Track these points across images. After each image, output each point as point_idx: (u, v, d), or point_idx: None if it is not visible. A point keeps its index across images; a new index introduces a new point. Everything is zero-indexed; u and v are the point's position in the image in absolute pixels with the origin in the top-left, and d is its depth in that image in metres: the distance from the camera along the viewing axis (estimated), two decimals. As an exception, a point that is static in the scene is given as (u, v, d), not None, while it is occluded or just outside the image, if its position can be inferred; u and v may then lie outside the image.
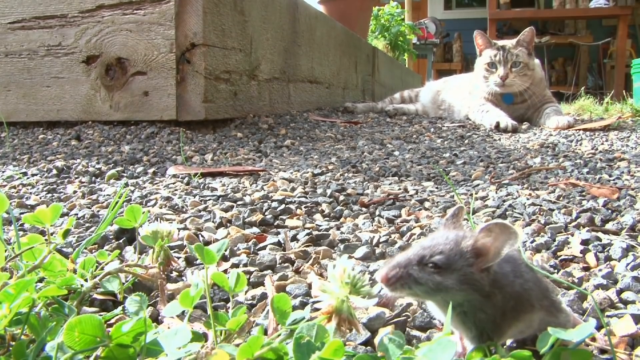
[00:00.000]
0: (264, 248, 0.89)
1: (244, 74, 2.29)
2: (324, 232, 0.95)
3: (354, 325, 0.47)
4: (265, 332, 0.57)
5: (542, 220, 1.00)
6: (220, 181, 1.38)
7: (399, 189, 1.32)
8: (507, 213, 1.07)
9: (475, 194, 1.26)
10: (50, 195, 1.24)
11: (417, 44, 7.72)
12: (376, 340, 0.58)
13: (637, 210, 1.05)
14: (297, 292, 0.70)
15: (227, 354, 0.46)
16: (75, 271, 0.68)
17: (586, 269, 0.77)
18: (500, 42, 3.05)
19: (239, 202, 1.15)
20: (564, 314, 0.56)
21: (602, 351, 0.56)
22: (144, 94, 2.06)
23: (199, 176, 1.43)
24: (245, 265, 0.81)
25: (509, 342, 0.58)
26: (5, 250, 0.67)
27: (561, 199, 1.18)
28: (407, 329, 0.62)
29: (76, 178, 1.43)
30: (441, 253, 0.51)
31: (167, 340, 0.49)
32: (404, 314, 0.64)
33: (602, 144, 2.17)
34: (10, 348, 0.51)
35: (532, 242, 0.87)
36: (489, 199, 1.19)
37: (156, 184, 1.37)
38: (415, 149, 2.03)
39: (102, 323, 0.47)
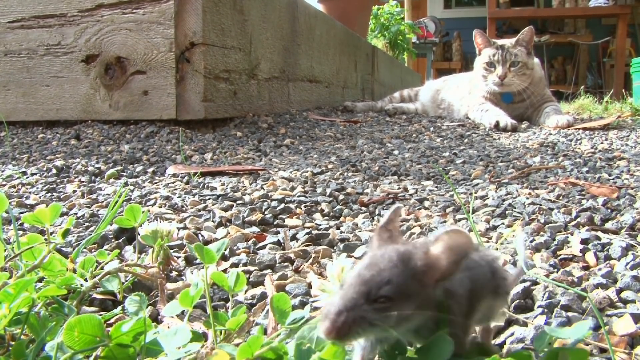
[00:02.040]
0: (263, 247, 0.89)
1: (243, 73, 2.29)
2: (324, 232, 0.95)
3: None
4: (265, 332, 0.57)
5: (541, 219, 1.00)
6: (220, 180, 1.38)
7: (399, 188, 1.32)
8: (506, 212, 1.07)
9: (475, 193, 1.26)
10: (49, 194, 1.24)
11: (416, 43, 7.72)
12: (376, 340, 0.58)
13: (637, 209, 1.05)
14: (296, 292, 0.70)
15: (227, 354, 0.46)
16: (74, 271, 0.68)
17: (586, 268, 0.77)
18: (500, 42, 3.05)
19: (238, 202, 1.15)
20: (507, 296, 0.54)
21: (602, 350, 0.56)
22: (144, 93, 2.06)
23: (198, 175, 1.43)
24: (244, 264, 0.81)
25: (509, 342, 0.58)
26: (5, 250, 0.67)
27: (561, 198, 1.18)
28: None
29: (76, 177, 1.43)
30: (389, 282, 0.43)
31: (167, 339, 0.49)
32: (403, 314, 0.64)
33: (602, 143, 2.17)
34: (10, 348, 0.51)
35: (531, 242, 0.87)
36: (488, 198, 1.19)
37: (156, 183, 1.36)
38: (414, 148, 2.03)
39: (102, 323, 0.47)
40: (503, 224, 1.00)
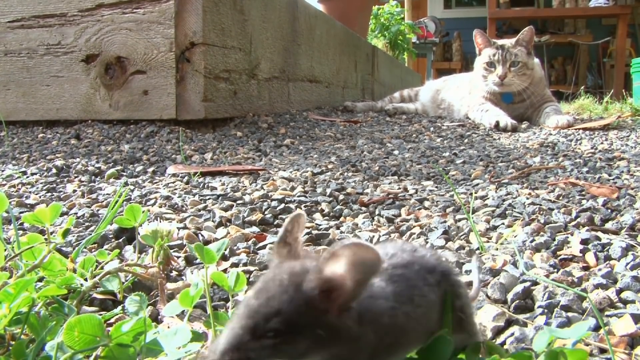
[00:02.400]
0: (263, 247, 0.89)
1: (243, 73, 2.29)
2: (324, 232, 0.95)
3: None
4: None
5: (541, 219, 1.00)
6: (220, 180, 1.38)
7: (399, 188, 1.32)
8: (506, 212, 1.07)
9: (475, 193, 1.26)
10: (49, 194, 1.24)
11: (416, 43, 7.72)
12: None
13: (637, 209, 1.05)
14: (296, 292, 0.70)
15: (226, 354, 0.46)
16: (75, 270, 0.68)
17: (586, 268, 0.77)
18: (500, 42, 3.05)
19: (238, 201, 1.15)
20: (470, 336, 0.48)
21: (602, 350, 0.56)
22: (144, 93, 2.06)
23: (198, 175, 1.43)
24: (245, 264, 0.81)
25: (509, 342, 0.58)
26: (5, 250, 0.67)
27: (561, 198, 1.18)
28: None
29: (76, 177, 1.43)
30: (278, 313, 0.37)
31: (167, 339, 0.49)
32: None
33: (602, 143, 2.17)
34: (10, 347, 0.51)
35: (531, 242, 0.87)
36: (488, 198, 1.19)
37: (156, 183, 1.36)
38: (414, 148, 2.03)
39: (102, 322, 0.47)
40: (503, 224, 1.00)
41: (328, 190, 1.24)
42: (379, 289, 0.41)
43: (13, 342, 0.52)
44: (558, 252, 0.84)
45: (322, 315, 0.38)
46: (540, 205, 1.11)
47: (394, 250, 0.47)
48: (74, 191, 1.26)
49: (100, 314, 0.61)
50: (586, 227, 0.96)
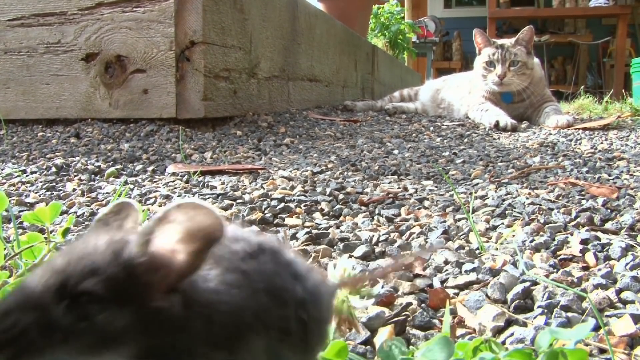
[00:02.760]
0: (263, 247, 0.88)
1: (243, 72, 2.29)
2: (324, 231, 0.95)
3: (353, 325, 0.47)
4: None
5: (541, 219, 1.00)
6: (220, 179, 1.38)
7: (399, 188, 1.32)
8: (506, 212, 1.07)
9: (475, 192, 1.26)
10: (49, 193, 1.23)
11: (416, 43, 7.71)
12: (375, 339, 0.58)
13: (637, 209, 1.06)
14: (296, 291, 0.70)
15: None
16: (74, 269, 0.68)
17: (585, 268, 0.77)
18: (500, 41, 3.05)
19: (238, 201, 1.14)
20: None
21: (602, 350, 0.56)
22: (144, 92, 2.06)
23: (198, 174, 1.43)
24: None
25: (508, 342, 0.58)
26: (5, 249, 0.67)
27: (560, 198, 1.18)
28: (407, 328, 0.62)
29: (75, 176, 1.43)
30: (94, 273, 0.29)
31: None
32: (403, 314, 0.64)
33: (602, 143, 2.17)
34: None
35: (531, 242, 0.87)
36: (488, 198, 1.19)
37: (155, 182, 1.36)
38: (414, 147, 2.03)
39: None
40: (503, 223, 1.00)
41: (328, 190, 1.24)
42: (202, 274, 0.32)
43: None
44: (558, 252, 0.84)
45: (144, 293, 0.29)
46: (540, 205, 1.11)
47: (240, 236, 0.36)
48: (74, 190, 1.26)
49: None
50: (586, 227, 0.96)
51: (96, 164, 1.56)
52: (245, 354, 0.32)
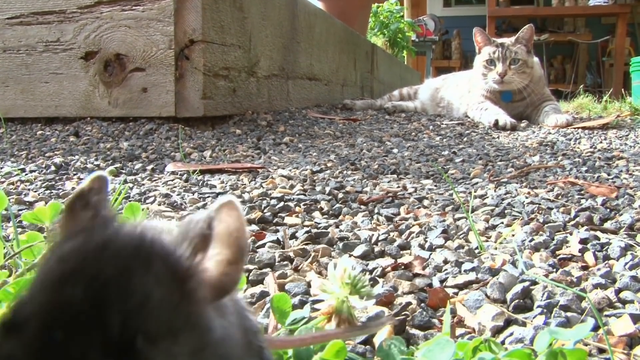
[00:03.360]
0: (262, 246, 0.89)
1: (242, 71, 2.29)
2: (323, 230, 0.95)
3: (353, 325, 0.47)
4: (266, 331, 0.57)
5: (540, 219, 1.00)
6: (219, 178, 1.38)
7: (398, 187, 1.32)
8: (505, 211, 1.07)
9: (474, 192, 1.26)
10: (48, 191, 1.23)
11: (416, 41, 7.71)
12: (375, 339, 0.58)
13: (636, 209, 1.06)
14: (296, 291, 0.70)
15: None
16: (74, 269, 0.68)
17: (585, 268, 0.77)
18: (500, 40, 3.05)
19: (237, 200, 1.14)
20: None
21: (601, 350, 0.56)
22: (143, 91, 2.06)
23: (197, 173, 1.43)
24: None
25: (508, 342, 0.58)
26: (4, 248, 0.67)
27: (560, 197, 1.18)
28: (406, 327, 0.62)
29: (75, 174, 1.43)
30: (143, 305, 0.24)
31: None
32: (403, 313, 0.64)
33: (601, 142, 2.17)
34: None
35: (530, 241, 0.87)
36: (487, 197, 1.19)
37: (155, 180, 1.36)
38: (414, 146, 2.03)
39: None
40: (502, 223, 1.00)
41: (327, 189, 1.24)
42: None
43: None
44: (557, 252, 0.84)
45: (192, 314, 0.25)
46: (540, 204, 1.11)
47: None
48: (73, 189, 1.26)
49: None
50: (585, 227, 0.96)
51: (95, 162, 1.56)
52: None
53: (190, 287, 0.25)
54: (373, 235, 0.93)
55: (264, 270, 0.78)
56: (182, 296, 0.25)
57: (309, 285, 0.73)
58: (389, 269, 0.77)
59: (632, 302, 0.65)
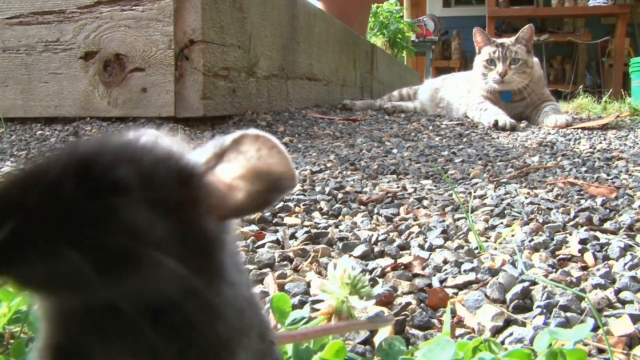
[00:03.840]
0: (262, 246, 0.89)
1: (242, 71, 2.29)
2: (323, 230, 0.95)
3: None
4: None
5: (540, 219, 1.00)
6: (219, 178, 1.38)
7: (398, 187, 1.32)
8: (505, 212, 1.07)
9: (474, 192, 1.26)
10: (48, 191, 1.23)
11: (415, 42, 7.71)
12: (375, 339, 0.58)
13: (635, 209, 1.06)
14: (296, 291, 0.70)
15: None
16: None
17: (584, 268, 0.78)
18: (499, 40, 3.05)
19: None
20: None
21: (600, 350, 0.56)
22: (142, 91, 2.06)
23: (197, 173, 1.43)
24: (243, 263, 0.81)
25: (507, 342, 0.58)
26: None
27: (559, 197, 1.18)
28: (406, 327, 0.62)
29: (74, 175, 1.43)
30: (134, 162, 0.25)
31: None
32: (402, 313, 0.64)
33: (600, 142, 2.17)
34: (10, 346, 0.51)
35: (530, 241, 0.88)
36: (487, 198, 1.19)
37: (154, 181, 1.36)
38: (413, 146, 2.03)
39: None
40: (502, 223, 1.00)
41: (327, 189, 1.24)
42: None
43: (12, 341, 0.52)
44: (557, 252, 0.84)
45: (193, 208, 0.25)
46: (539, 204, 1.11)
47: None
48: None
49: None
50: (585, 227, 0.96)
51: (95, 162, 1.55)
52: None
53: (191, 189, 0.25)
54: (373, 235, 0.93)
55: (264, 270, 0.78)
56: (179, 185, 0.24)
57: (308, 285, 0.73)
58: (389, 269, 0.77)
59: (631, 302, 0.65)
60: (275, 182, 0.26)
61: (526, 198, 1.17)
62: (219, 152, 0.27)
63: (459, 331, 0.61)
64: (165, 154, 0.26)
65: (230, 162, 0.27)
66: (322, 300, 0.51)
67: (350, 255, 0.85)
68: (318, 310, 0.52)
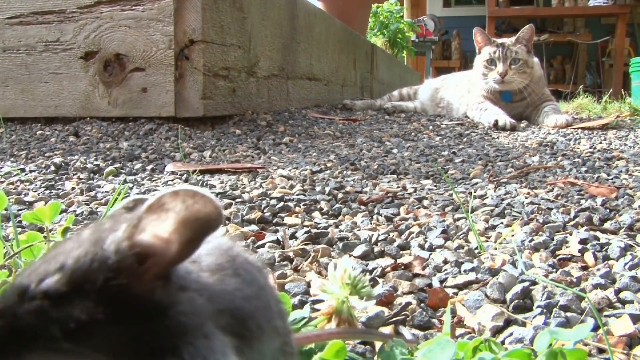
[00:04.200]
0: (262, 246, 0.89)
1: (242, 71, 2.29)
2: (323, 230, 0.95)
3: (353, 325, 0.47)
4: (265, 331, 0.57)
5: (540, 219, 1.00)
6: (219, 178, 1.38)
7: (398, 187, 1.32)
8: (505, 212, 1.07)
9: (474, 192, 1.26)
10: (48, 191, 1.23)
11: (415, 42, 7.71)
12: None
13: (635, 209, 1.06)
14: (296, 291, 0.70)
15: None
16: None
17: (584, 268, 0.77)
18: (500, 40, 3.05)
19: (237, 200, 1.14)
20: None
21: (600, 350, 0.56)
22: (143, 90, 2.06)
23: (197, 173, 1.43)
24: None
25: (507, 342, 0.58)
26: (4, 248, 0.67)
27: (559, 197, 1.18)
28: (407, 327, 0.62)
29: (74, 174, 1.43)
30: (61, 269, 0.28)
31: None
32: (402, 313, 0.64)
33: (601, 142, 2.17)
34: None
35: (530, 241, 0.88)
36: (487, 198, 1.19)
37: (155, 181, 1.36)
38: (413, 146, 2.03)
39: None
40: (502, 223, 1.00)
41: (327, 189, 1.24)
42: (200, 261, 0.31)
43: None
44: (557, 252, 0.84)
45: (124, 282, 0.27)
46: (539, 204, 1.11)
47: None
48: (73, 189, 1.26)
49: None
50: (585, 227, 0.96)
51: (95, 162, 1.56)
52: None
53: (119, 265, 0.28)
54: (373, 235, 0.93)
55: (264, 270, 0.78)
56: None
57: (308, 285, 0.73)
58: (389, 269, 0.77)
59: (631, 302, 0.65)
60: (206, 223, 0.28)
61: (526, 198, 1.17)
62: (136, 223, 0.28)
63: (459, 331, 0.61)
64: (99, 243, 0.29)
65: (160, 220, 0.28)
66: (322, 300, 0.51)
67: (351, 255, 0.85)
68: (318, 310, 0.52)
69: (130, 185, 1.29)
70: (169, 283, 0.29)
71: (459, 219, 1.04)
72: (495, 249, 0.87)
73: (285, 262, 0.81)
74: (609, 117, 2.92)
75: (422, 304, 0.66)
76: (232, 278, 0.32)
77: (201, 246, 0.29)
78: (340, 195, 1.20)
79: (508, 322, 0.62)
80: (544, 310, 0.63)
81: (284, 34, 2.73)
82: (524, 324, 0.62)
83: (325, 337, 0.42)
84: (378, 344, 0.53)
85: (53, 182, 1.33)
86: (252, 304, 0.32)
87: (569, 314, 0.62)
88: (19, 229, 0.88)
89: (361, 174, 1.49)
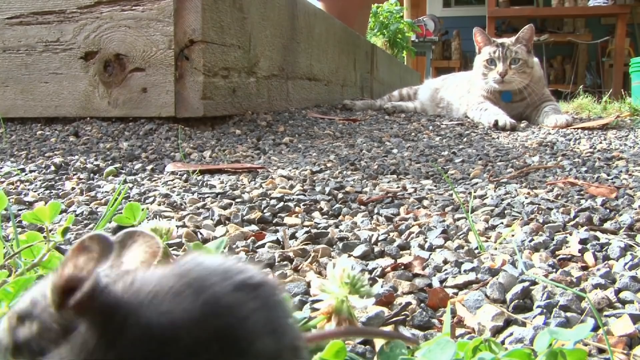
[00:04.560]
0: (262, 246, 0.89)
1: (242, 71, 2.29)
2: (323, 230, 0.95)
3: (353, 325, 0.47)
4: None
5: (540, 219, 1.00)
6: (219, 178, 1.38)
7: (398, 187, 1.32)
8: (505, 212, 1.07)
9: (474, 192, 1.26)
10: (48, 191, 1.23)
11: (415, 42, 7.71)
12: (375, 339, 0.58)
13: (635, 209, 1.06)
14: (296, 291, 0.70)
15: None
16: (73, 269, 0.68)
17: (584, 268, 0.77)
18: (500, 40, 3.05)
19: (237, 200, 1.14)
20: None
21: (600, 350, 0.56)
22: (143, 91, 2.06)
23: (197, 173, 1.43)
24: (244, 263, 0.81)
25: (507, 342, 0.58)
26: (4, 248, 0.67)
27: (559, 197, 1.18)
28: (406, 327, 0.62)
29: (74, 174, 1.43)
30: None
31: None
32: (402, 313, 0.64)
33: (601, 142, 2.17)
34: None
35: (530, 241, 0.87)
36: (487, 198, 1.19)
37: (154, 181, 1.36)
38: (413, 147, 2.03)
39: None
40: (502, 223, 1.00)
41: (327, 189, 1.24)
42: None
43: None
44: (557, 252, 0.84)
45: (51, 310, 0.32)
46: (539, 204, 1.11)
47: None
48: (73, 189, 1.26)
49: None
50: (585, 227, 0.96)
51: (95, 162, 1.56)
52: None
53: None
54: (373, 235, 0.93)
55: (264, 270, 0.78)
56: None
57: (308, 285, 0.73)
58: (389, 269, 0.77)
59: (631, 302, 0.65)
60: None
61: (526, 198, 1.17)
62: (109, 256, 0.33)
63: (459, 331, 0.61)
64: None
65: (133, 252, 0.35)
66: (322, 300, 0.51)
67: (350, 255, 0.85)
68: (318, 310, 0.52)
69: (130, 185, 1.29)
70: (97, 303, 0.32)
71: (459, 219, 1.04)
72: (495, 249, 0.87)
73: (285, 262, 0.81)
74: (609, 117, 2.92)
75: (422, 304, 0.66)
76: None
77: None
78: (340, 195, 1.20)
79: (508, 322, 0.62)
80: (544, 310, 0.63)
81: (284, 34, 2.73)
82: (524, 324, 0.62)
83: (328, 336, 0.42)
84: (378, 344, 0.53)
85: (53, 182, 1.33)
86: None
87: (569, 314, 0.62)
88: (19, 229, 0.88)
89: (361, 174, 1.49)
